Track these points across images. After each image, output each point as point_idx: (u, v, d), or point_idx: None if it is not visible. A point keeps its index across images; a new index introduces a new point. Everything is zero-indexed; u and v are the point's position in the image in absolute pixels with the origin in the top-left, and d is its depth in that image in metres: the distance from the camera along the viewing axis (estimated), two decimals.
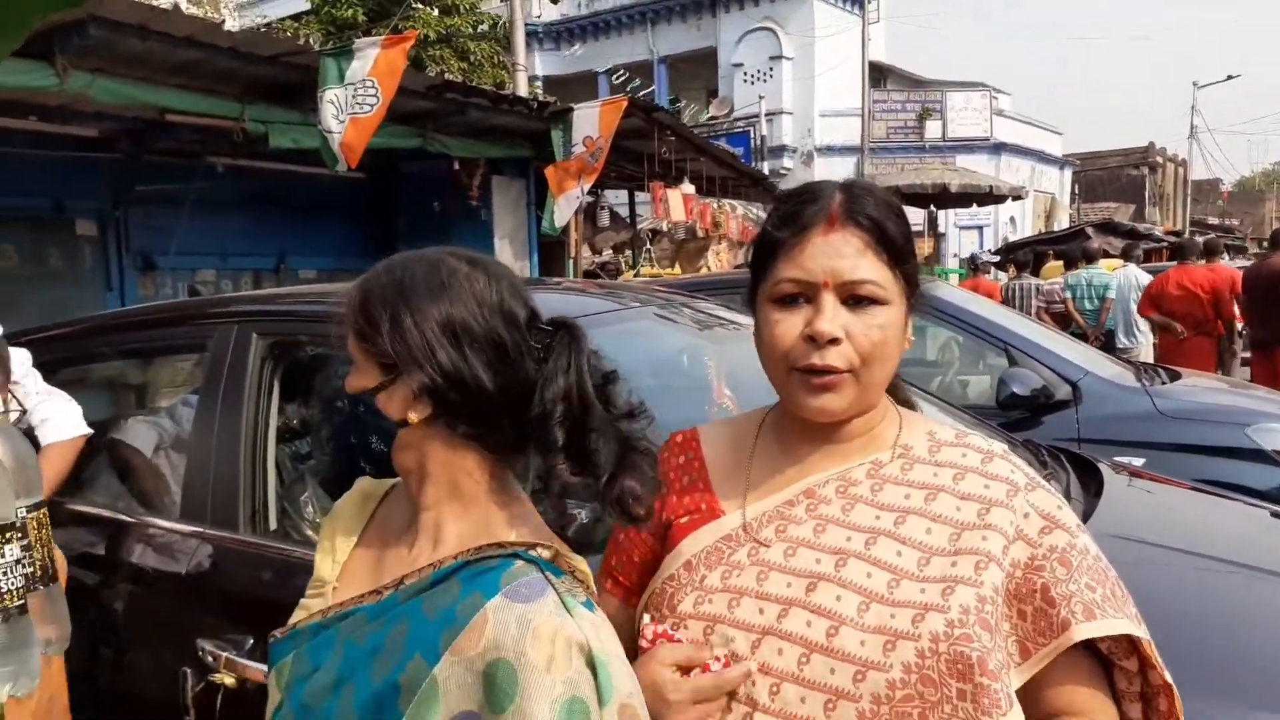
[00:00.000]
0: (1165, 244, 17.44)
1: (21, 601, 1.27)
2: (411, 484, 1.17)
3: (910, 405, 1.35)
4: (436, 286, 1.14)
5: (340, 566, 1.23)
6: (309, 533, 2.59)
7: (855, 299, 1.18)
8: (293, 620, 1.21)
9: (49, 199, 7.55)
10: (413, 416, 1.14)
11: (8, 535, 1.26)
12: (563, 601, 1.04)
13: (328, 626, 1.16)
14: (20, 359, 2.65)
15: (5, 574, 1.25)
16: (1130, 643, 1.14)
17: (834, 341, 1.17)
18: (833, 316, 1.17)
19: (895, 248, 1.19)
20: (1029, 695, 1.12)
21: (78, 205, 7.77)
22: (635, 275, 10.55)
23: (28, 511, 1.34)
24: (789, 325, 1.19)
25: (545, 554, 1.10)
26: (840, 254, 1.17)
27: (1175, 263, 9.36)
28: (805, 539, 1.21)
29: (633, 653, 1.26)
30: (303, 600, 1.24)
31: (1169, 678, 1.13)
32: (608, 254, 12.43)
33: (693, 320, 3.14)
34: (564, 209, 8.31)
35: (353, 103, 6.21)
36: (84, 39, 5.21)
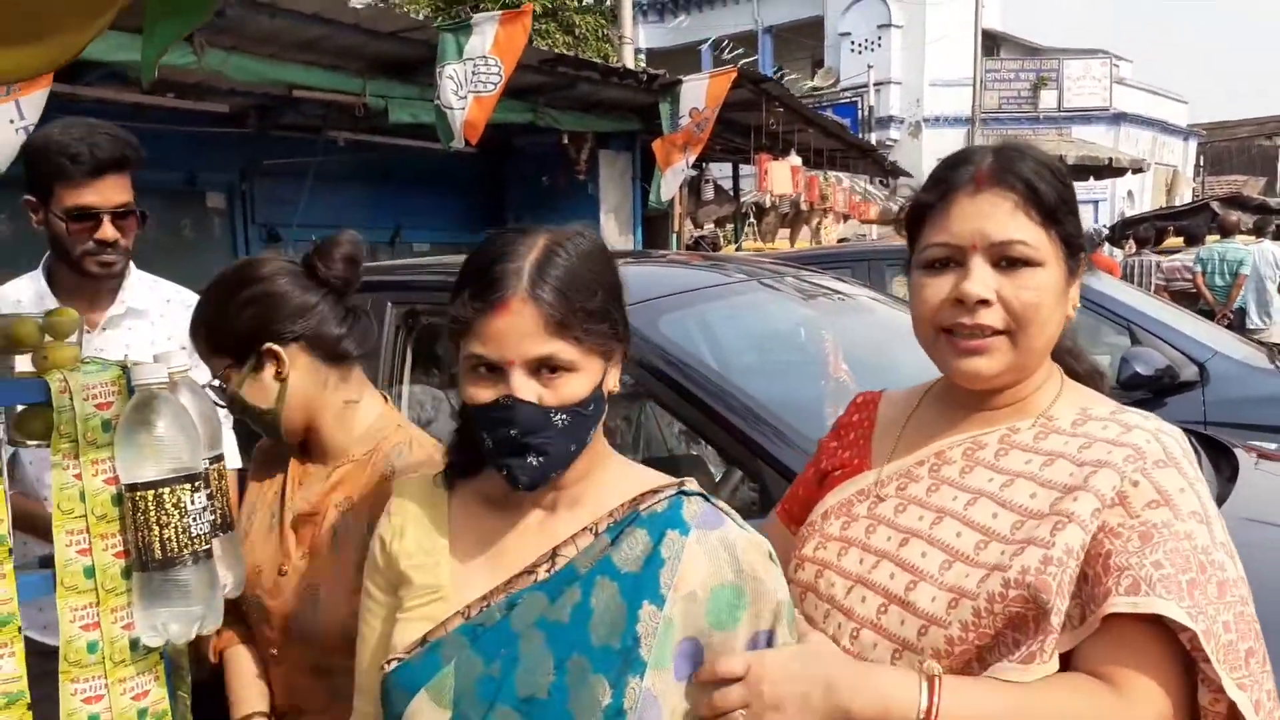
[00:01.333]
0: None
1: (208, 546, 1.39)
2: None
3: (1093, 377, 1.30)
4: (602, 258, 1.18)
5: (445, 568, 1.19)
6: None
7: (1007, 260, 1.15)
8: (417, 634, 1.16)
9: (182, 172, 7.92)
10: (616, 387, 1.18)
11: (196, 484, 1.37)
12: (733, 519, 1.16)
13: (489, 623, 1.13)
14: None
15: (195, 520, 1.36)
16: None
17: (984, 303, 1.15)
18: (981, 278, 1.15)
19: (1048, 208, 1.16)
20: (1073, 653, 1.09)
21: (208, 178, 8.14)
22: (736, 249, 10.52)
23: (210, 463, 1.46)
24: (936, 288, 1.19)
25: (692, 485, 1.18)
26: (988, 215, 1.16)
27: None
28: (917, 497, 1.23)
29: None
30: (409, 612, 1.18)
31: (1224, 678, 1.02)
32: (708, 228, 12.39)
33: (810, 294, 3.15)
34: (670, 182, 8.33)
35: (474, 79, 6.27)
36: (220, 18, 5.45)
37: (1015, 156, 1.18)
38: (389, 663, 1.16)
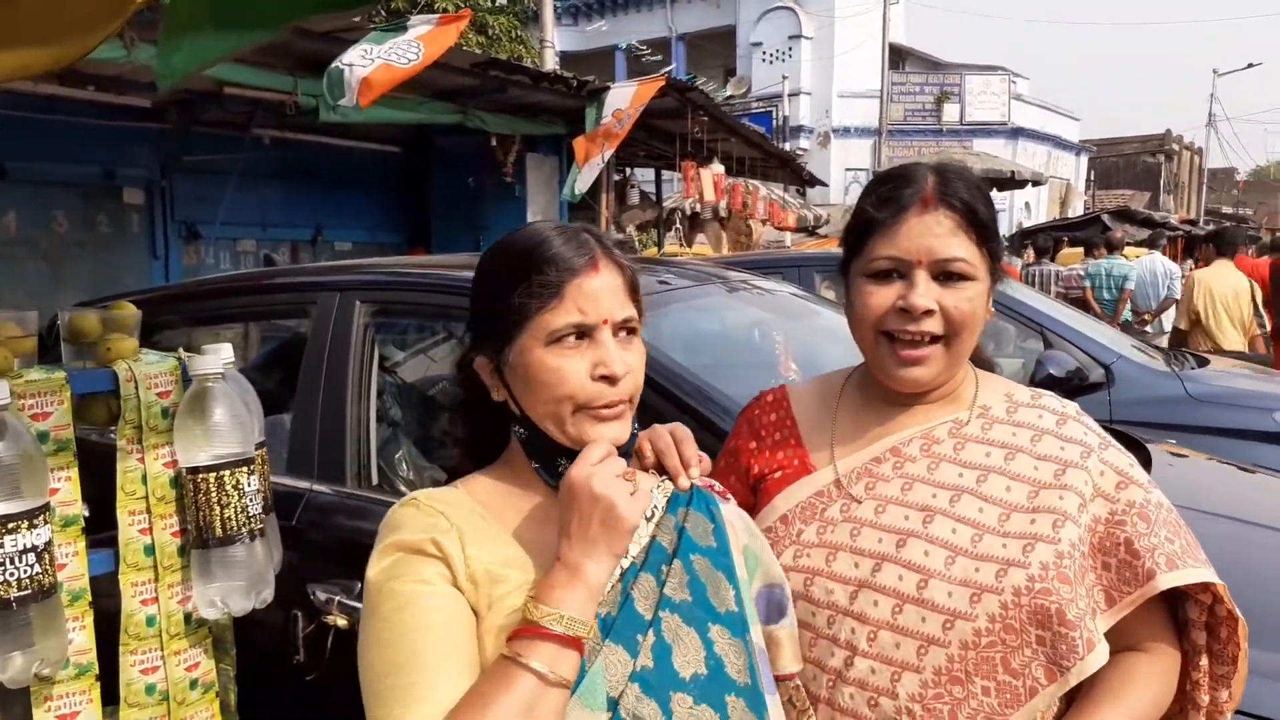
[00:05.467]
0: (1181, 233, 17.52)
1: (262, 525, 1.48)
2: None
3: (989, 366, 1.46)
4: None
5: (532, 564, 1.13)
6: (401, 487, 2.79)
7: (946, 275, 1.28)
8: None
9: (99, 167, 7.71)
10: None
11: (250, 468, 1.47)
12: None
13: (615, 611, 1.10)
14: None
15: (250, 500, 1.46)
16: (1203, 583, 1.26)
17: (927, 314, 1.28)
18: (925, 291, 1.28)
19: (984, 228, 1.30)
20: (1107, 632, 1.24)
21: (126, 174, 7.93)
22: (659, 253, 10.71)
23: (255, 448, 1.55)
24: (882, 297, 1.30)
25: None
26: (934, 234, 1.28)
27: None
28: (894, 497, 1.31)
29: None
30: (516, 609, 1.07)
31: (1237, 611, 1.26)
32: (628, 230, 12.54)
33: (756, 296, 3.33)
34: (586, 176, 8.30)
35: (390, 51, 6.03)
36: (152, 12, 5.37)
37: (954, 179, 1.31)
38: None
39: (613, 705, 1.05)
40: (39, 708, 1.33)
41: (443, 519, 1.11)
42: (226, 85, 6.59)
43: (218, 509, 1.42)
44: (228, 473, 1.43)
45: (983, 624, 1.20)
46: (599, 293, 1.12)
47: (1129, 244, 12.31)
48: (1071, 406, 1.39)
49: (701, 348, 2.95)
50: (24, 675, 1.25)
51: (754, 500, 1.41)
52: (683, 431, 1.24)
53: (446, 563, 1.08)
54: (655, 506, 1.18)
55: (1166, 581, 1.23)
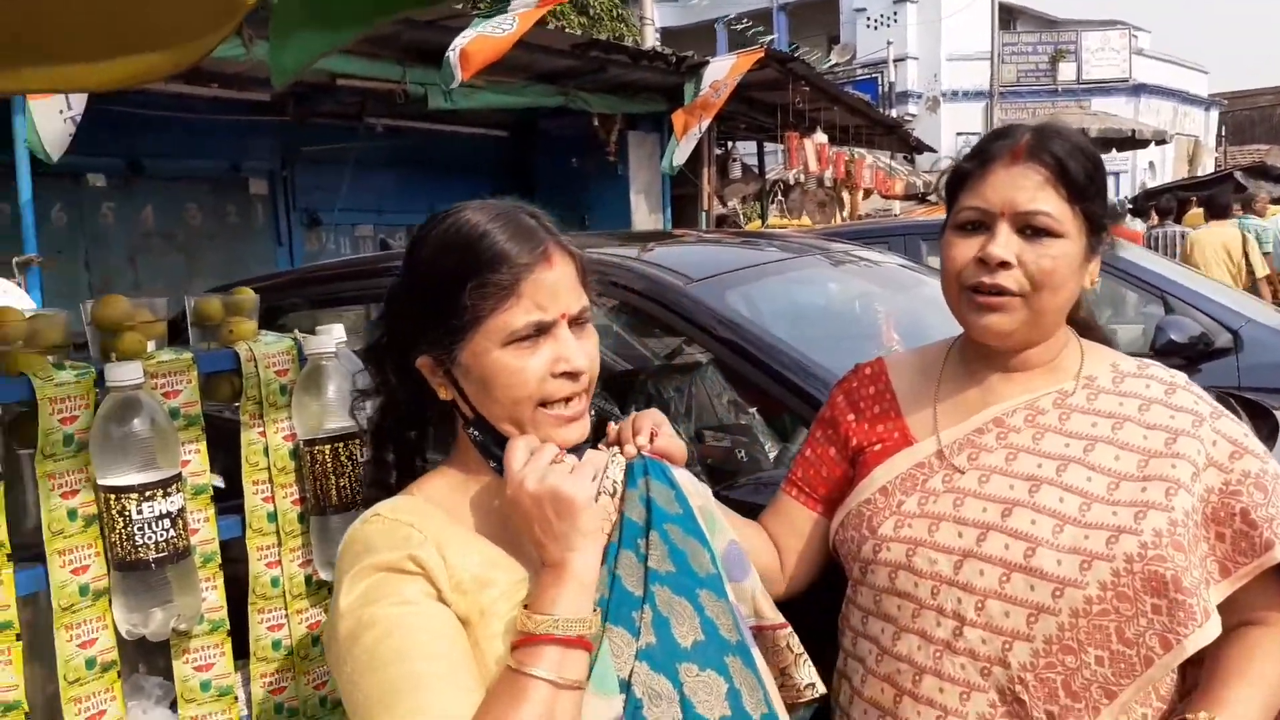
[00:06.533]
0: None
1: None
2: None
3: (1105, 339, 1.42)
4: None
5: (515, 557, 1.10)
6: None
7: (1031, 229, 1.25)
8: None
9: (226, 160, 8.12)
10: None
11: (361, 441, 1.55)
12: None
13: (604, 591, 1.08)
14: None
15: (359, 473, 1.54)
16: None
17: (1005, 265, 1.24)
18: (1005, 242, 1.24)
19: (1077, 186, 1.25)
20: (1221, 606, 1.21)
21: (251, 165, 8.34)
22: (762, 226, 10.64)
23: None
24: (965, 248, 1.28)
25: None
26: (1019, 186, 1.25)
27: None
28: (997, 466, 1.28)
29: (825, 556, 1.44)
30: (508, 611, 1.04)
31: None
32: (730, 205, 12.50)
33: (859, 267, 3.30)
34: (684, 148, 8.33)
35: (485, 26, 6.18)
36: (265, 10, 5.60)
37: (1051, 135, 1.28)
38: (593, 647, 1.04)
39: (625, 687, 1.03)
40: (178, 659, 1.45)
41: (414, 531, 1.05)
42: (338, 76, 6.83)
43: (333, 478, 1.51)
44: (341, 445, 1.52)
45: (1094, 591, 1.18)
46: (555, 287, 1.08)
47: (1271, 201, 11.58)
48: (1180, 376, 1.35)
49: (800, 320, 2.95)
50: (164, 629, 1.37)
51: (852, 473, 1.41)
52: (657, 415, 1.24)
53: (428, 577, 1.02)
54: (615, 481, 1.15)
55: None
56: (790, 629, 1.27)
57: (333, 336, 1.56)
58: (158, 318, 1.51)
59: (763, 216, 11.36)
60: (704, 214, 9.41)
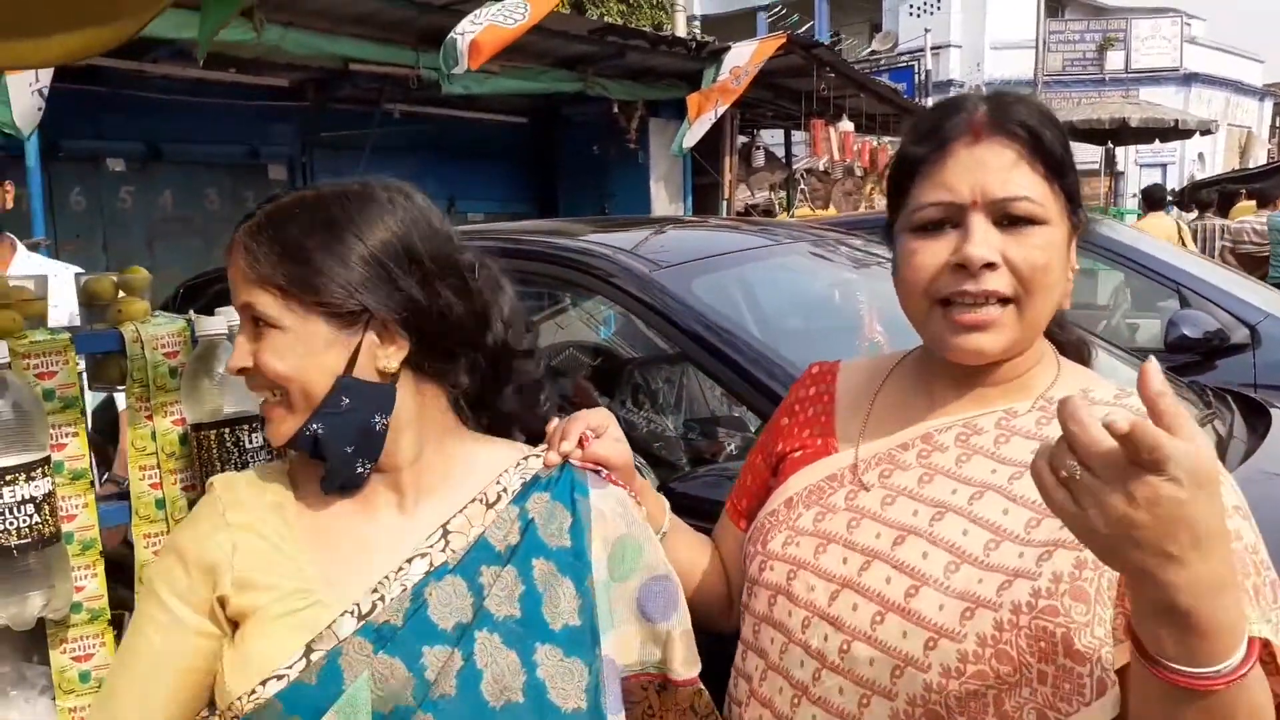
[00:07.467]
0: None
1: None
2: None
3: (1081, 352, 1.20)
4: (373, 212, 1.08)
5: (308, 567, 1.05)
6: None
7: (1009, 219, 1.02)
8: (294, 645, 0.98)
9: (245, 145, 8.17)
10: (392, 365, 1.04)
11: (253, 425, 1.50)
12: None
13: (397, 619, 0.99)
14: None
15: (252, 458, 1.49)
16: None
17: (989, 267, 1.01)
18: (984, 239, 1.01)
19: (1053, 159, 1.04)
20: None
21: (270, 151, 8.38)
22: (790, 215, 10.50)
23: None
24: (931, 254, 1.04)
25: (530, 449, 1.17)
26: (989, 168, 1.02)
27: None
28: (907, 488, 1.08)
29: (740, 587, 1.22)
30: (276, 622, 1.00)
31: None
32: (761, 195, 12.36)
33: (846, 257, 3.20)
34: (695, 131, 8.12)
35: (498, 14, 6.09)
36: None
37: (1012, 103, 1.06)
38: (265, 683, 0.96)
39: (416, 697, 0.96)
40: (55, 649, 1.41)
41: (223, 521, 1.06)
42: (352, 62, 6.84)
43: (219, 465, 1.46)
44: (228, 430, 1.47)
45: (970, 646, 0.96)
46: None
47: None
48: None
49: (773, 311, 2.86)
50: (28, 618, 1.33)
51: (773, 480, 1.24)
52: (599, 416, 1.14)
53: (210, 572, 1.04)
54: (502, 490, 1.07)
55: None
56: (699, 686, 1.14)
57: (226, 317, 1.50)
58: (38, 295, 1.46)
59: (789, 206, 11.21)
60: (724, 203, 9.30)
